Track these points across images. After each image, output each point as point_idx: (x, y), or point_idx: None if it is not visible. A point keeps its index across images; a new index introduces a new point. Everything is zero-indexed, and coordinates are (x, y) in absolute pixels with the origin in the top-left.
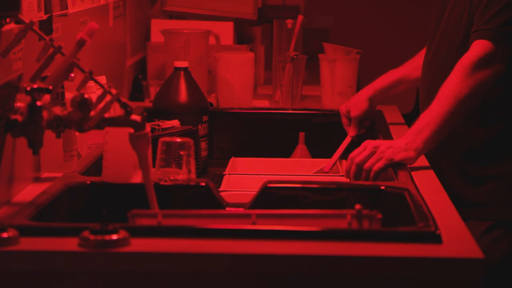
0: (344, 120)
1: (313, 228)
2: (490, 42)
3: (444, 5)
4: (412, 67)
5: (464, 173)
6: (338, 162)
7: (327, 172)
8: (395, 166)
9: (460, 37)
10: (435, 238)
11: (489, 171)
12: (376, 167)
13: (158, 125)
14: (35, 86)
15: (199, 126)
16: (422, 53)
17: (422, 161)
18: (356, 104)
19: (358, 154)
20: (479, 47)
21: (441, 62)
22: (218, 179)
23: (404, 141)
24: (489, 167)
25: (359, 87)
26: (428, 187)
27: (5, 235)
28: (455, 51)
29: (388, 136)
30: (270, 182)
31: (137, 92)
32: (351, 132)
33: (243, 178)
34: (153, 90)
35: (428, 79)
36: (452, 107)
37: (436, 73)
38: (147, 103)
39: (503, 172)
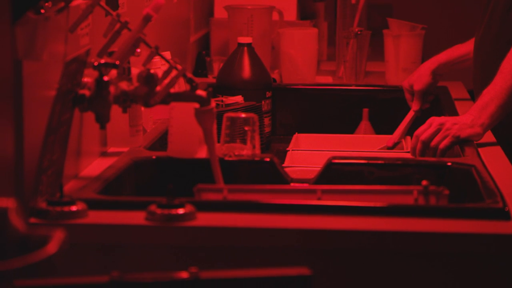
0: (407, 95)
1: (379, 204)
2: None
3: None
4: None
5: None
6: (402, 139)
7: (390, 147)
8: (462, 142)
9: (510, 12)
10: (503, 214)
11: None
12: (442, 145)
13: (222, 101)
14: (102, 61)
15: (263, 102)
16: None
17: (489, 137)
18: (419, 77)
19: (423, 131)
20: None
21: (492, 39)
22: (282, 155)
23: (470, 117)
24: None
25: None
26: (495, 163)
27: (73, 208)
28: (507, 27)
29: (453, 112)
30: (335, 158)
31: (201, 68)
32: (414, 106)
33: (307, 154)
34: (216, 66)
35: (480, 57)
36: None
37: (488, 51)
38: (211, 79)
39: None
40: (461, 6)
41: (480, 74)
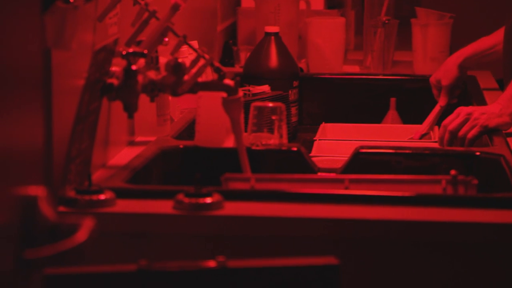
0: (435, 91)
1: (407, 193)
2: None
3: None
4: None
5: None
6: (430, 131)
7: (417, 139)
8: (490, 132)
9: None
10: None
11: None
12: (470, 135)
13: (249, 90)
14: (130, 50)
15: (289, 92)
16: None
17: None
18: (445, 72)
19: (451, 121)
20: None
21: None
22: (309, 145)
23: (498, 107)
24: None
25: (451, 53)
26: None
27: (102, 197)
28: None
29: (482, 101)
30: (362, 147)
31: (228, 58)
32: (442, 101)
33: (334, 143)
34: (243, 56)
35: (510, 45)
36: None
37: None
38: (238, 69)
39: None
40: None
41: (510, 63)
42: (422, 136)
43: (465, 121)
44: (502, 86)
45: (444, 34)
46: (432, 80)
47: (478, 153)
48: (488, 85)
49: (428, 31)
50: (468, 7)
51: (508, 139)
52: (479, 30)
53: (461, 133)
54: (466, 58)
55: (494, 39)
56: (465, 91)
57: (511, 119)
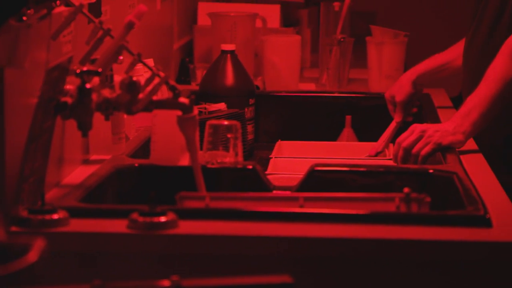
0: (390, 106)
1: (361, 211)
2: None
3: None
4: (457, 54)
5: (505, 159)
6: (385, 149)
7: (373, 156)
8: (443, 150)
9: (500, 19)
10: (484, 222)
11: None
12: (424, 152)
13: (205, 108)
14: (84, 68)
15: (246, 109)
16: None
17: (471, 144)
18: (399, 88)
19: (405, 138)
20: None
21: (480, 45)
22: (265, 162)
23: (452, 125)
24: None
25: (406, 70)
26: (477, 170)
27: (55, 216)
28: (495, 36)
29: (436, 119)
30: (317, 165)
31: (184, 75)
32: (397, 117)
33: (290, 161)
34: (199, 73)
35: (468, 64)
36: (499, 89)
37: (476, 58)
38: (194, 86)
39: None
40: (444, 13)
41: (468, 80)
42: (377, 154)
43: (419, 138)
44: (456, 104)
45: (399, 52)
46: (387, 95)
47: (431, 171)
48: (442, 103)
49: (383, 49)
50: (423, 25)
51: (461, 156)
52: (434, 48)
53: (414, 150)
54: (419, 74)
55: (447, 55)
56: (420, 109)
57: (464, 137)
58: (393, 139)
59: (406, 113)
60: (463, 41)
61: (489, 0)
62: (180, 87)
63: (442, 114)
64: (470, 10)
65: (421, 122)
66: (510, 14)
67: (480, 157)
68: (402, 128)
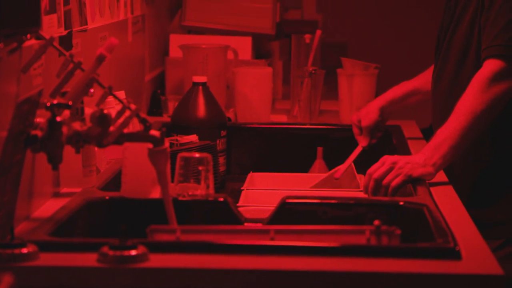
0: (356, 130)
1: (331, 244)
2: (502, 57)
3: (448, 21)
4: (425, 80)
5: (475, 192)
6: (352, 168)
7: (337, 179)
8: (414, 181)
9: (466, 55)
10: (454, 254)
11: (500, 191)
12: (394, 183)
13: (177, 140)
14: (55, 101)
15: (217, 141)
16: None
17: (441, 176)
18: (367, 114)
19: (376, 170)
20: (492, 63)
21: (448, 80)
22: (236, 194)
23: (422, 157)
24: (500, 187)
25: None
26: (447, 202)
27: (24, 250)
28: (463, 70)
29: (406, 151)
30: (288, 197)
31: (156, 107)
32: (362, 142)
33: (261, 193)
34: (171, 105)
35: (436, 94)
36: (469, 122)
37: (444, 91)
38: (166, 118)
39: None
40: (414, 46)
41: (437, 114)
42: (342, 175)
43: (390, 169)
44: (427, 135)
45: (369, 84)
46: (353, 119)
47: (402, 203)
48: (413, 134)
49: (354, 81)
50: (393, 57)
51: (432, 188)
52: (405, 79)
53: (385, 181)
54: (387, 101)
55: (415, 82)
56: (390, 140)
57: (434, 169)
58: (356, 163)
59: (371, 138)
60: (431, 68)
61: (454, 37)
62: (151, 119)
63: (412, 145)
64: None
65: (391, 153)
66: (475, 49)
67: (450, 189)
68: (367, 152)
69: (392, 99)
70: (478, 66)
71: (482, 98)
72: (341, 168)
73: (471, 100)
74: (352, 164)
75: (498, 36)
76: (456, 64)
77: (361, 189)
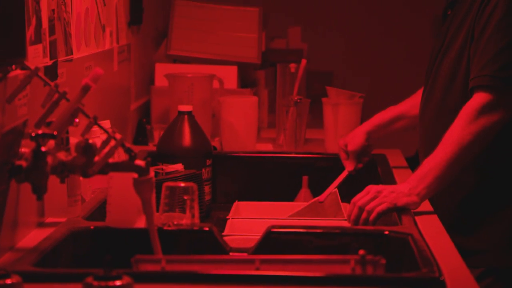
0: (342, 155)
1: (317, 274)
2: (489, 88)
3: (439, 47)
4: (411, 104)
5: (460, 221)
6: (336, 193)
7: (322, 202)
8: (398, 210)
9: (453, 83)
10: (439, 283)
11: (483, 219)
12: (378, 209)
13: (162, 169)
14: (40, 132)
15: (203, 170)
16: (420, 92)
17: (426, 206)
18: (353, 138)
19: (360, 198)
20: (480, 95)
21: (435, 107)
22: (222, 223)
23: (408, 186)
24: (483, 215)
25: None
26: (432, 232)
27: (8, 281)
28: (449, 97)
29: (391, 180)
30: (274, 226)
31: (141, 136)
32: (348, 166)
33: (247, 222)
34: (157, 134)
35: (423, 118)
36: (456, 153)
37: (431, 113)
38: (151, 147)
39: (497, 219)
40: (399, 75)
41: (424, 141)
42: (326, 198)
43: (374, 198)
44: (412, 164)
45: (354, 113)
46: (340, 143)
47: (387, 232)
48: (398, 163)
49: (339, 110)
50: (378, 87)
51: (416, 217)
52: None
53: (369, 207)
54: (373, 126)
55: (401, 107)
56: (375, 169)
57: (419, 199)
58: (342, 188)
59: (357, 162)
60: (418, 94)
61: (442, 63)
62: (137, 148)
63: (398, 174)
64: (424, 72)
65: (376, 182)
66: (463, 77)
67: (435, 218)
68: (353, 177)
69: (379, 124)
70: (465, 93)
71: (470, 129)
72: (326, 191)
73: (458, 131)
74: (337, 190)
75: (486, 67)
76: (443, 90)
77: (346, 218)
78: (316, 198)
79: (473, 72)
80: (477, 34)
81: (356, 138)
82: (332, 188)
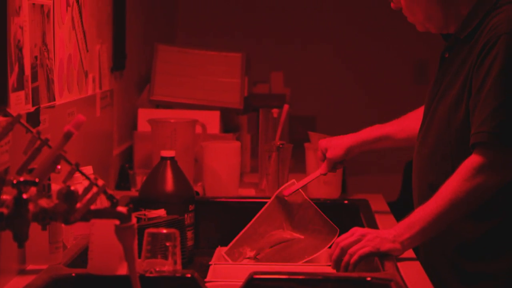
0: (320, 155)
1: None
2: (488, 145)
3: (435, 92)
4: (400, 127)
5: (457, 269)
6: (300, 190)
7: (287, 196)
8: (381, 256)
9: (448, 130)
10: None
11: (483, 268)
12: (361, 252)
13: (144, 215)
14: (21, 179)
15: (185, 216)
16: (411, 115)
17: (409, 252)
18: (334, 148)
19: (344, 239)
20: (479, 153)
21: (428, 151)
22: (205, 269)
23: (393, 233)
24: (483, 263)
25: (344, 176)
26: (414, 278)
27: None
28: (442, 145)
29: (373, 224)
30: (256, 273)
31: (124, 181)
32: (322, 169)
33: (230, 268)
34: (139, 179)
35: (417, 168)
36: (447, 208)
37: (423, 163)
38: (134, 192)
39: (498, 271)
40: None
41: (416, 182)
42: (292, 193)
43: (358, 240)
44: (394, 208)
45: None
46: (321, 144)
47: (369, 278)
48: (380, 208)
49: None
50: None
51: (399, 264)
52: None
53: (351, 250)
54: (358, 142)
55: (388, 129)
56: (357, 213)
57: (402, 247)
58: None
59: (332, 169)
60: (408, 116)
61: (437, 110)
62: (119, 193)
63: (380, 219)
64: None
65: (359, 226)
66: (457, 126)
67: (417, 264)
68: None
69: (364, 140)
70: (459, 141)
71: (466, 186)
72: (293, 187)
73: (454, 186)
74: (301, 190)
75: (485, 123)
76: (437, 137)
77: (330, 264)
78: (281, 187)
79: (473, 127)
80: (476, 87)
81: (337, 149)
82: (300, 185)
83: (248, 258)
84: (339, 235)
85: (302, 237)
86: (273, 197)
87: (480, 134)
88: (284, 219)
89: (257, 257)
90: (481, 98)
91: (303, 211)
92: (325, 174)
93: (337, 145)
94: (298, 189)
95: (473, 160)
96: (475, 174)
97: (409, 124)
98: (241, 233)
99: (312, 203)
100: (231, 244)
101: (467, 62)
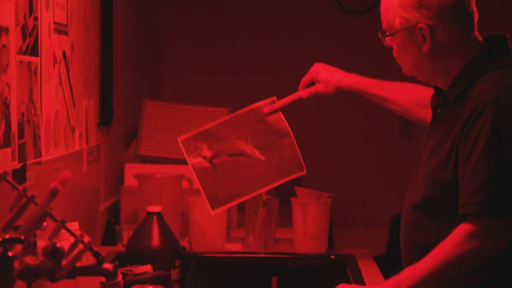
0: (307, 80)
1: None
2: (479, 217)
3: (422, 153)
4: (397, 96)
5: None
6: (281, 116)
7: (266, 114)
8: None
9: (436, 188)
10: None
11: None
12: None
13: (130, 271)
14: (7, 236)
15: (172, 271)
16: (409, 85)
17: None
18: (325, 83)
19: None
20: (470, 221)
21: (414, 206)
22: None
23: None
24: None
25: (331, 230)
26: None
27: None
28: (429, 201)
29: (360, 280)
30: None
31: (110, 236)
32: (304, 94)
33: None
34: (126, 234)
35: (404, 218)
36: (436, 271)
37: (410, 215)
38: (120, 247)
39: None
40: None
41: (402, 238)
42: (270, 113)
43: None
44: (381, 263)
45: (323, 213)
46: (313, 71)
47: None
48: (367, 263)
49: (308, 210)
50: (346, 187)
51: None
52: (359, 208)
53: None
54: (352, 89)
55: (384, 92)
56: (344, 269)
57: None
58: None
59: (312, 95)
60: (409, 87)
61: (427, 168)
62: (105, 248)
63: (366, 275)
64: (390, 163)
65: (346, 282)
66: (444, 185)
67: None
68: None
69: (359, 89)
70: (446, 200)
71: (457, 251)
72: (273, 106)
73: (446, 249)
74: (282, 116)
75: (474, 194)
76: (425, 194)
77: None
78: (260, 103)
79: (462, 197)
80: (464, 157)
81: (328, 86)
82: (280, 105)
83: (203, 157)
84: None
85: (263, 158)
86: (249, 108)
87: (470, 206)
88: (251, 133)
89: (213, 160)
90: (468, 169)
91: (277, 136)
92: (304, 98)
93: (328, 83)
94: (278, 110)
95: (465, 227)
96: (468, 240)
97: (407, 93)
98: (204, 127)
99: (291, 134)
100: (189, 134)
101: (455, 124)
